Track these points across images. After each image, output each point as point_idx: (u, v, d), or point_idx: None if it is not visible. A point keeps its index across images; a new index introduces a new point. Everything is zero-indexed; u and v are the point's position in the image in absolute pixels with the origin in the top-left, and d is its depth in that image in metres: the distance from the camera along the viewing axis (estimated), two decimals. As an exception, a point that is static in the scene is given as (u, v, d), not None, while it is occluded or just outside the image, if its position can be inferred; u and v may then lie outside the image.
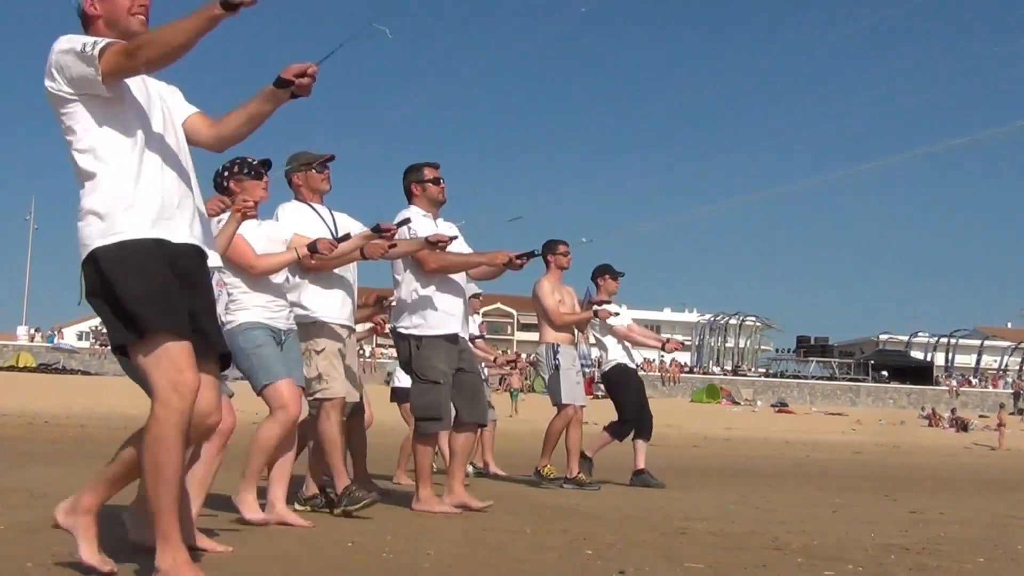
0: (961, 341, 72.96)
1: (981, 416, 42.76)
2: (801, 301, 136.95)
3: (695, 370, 63.40)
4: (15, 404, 23.80)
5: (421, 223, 6.65)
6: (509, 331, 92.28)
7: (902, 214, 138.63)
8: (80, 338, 66.80)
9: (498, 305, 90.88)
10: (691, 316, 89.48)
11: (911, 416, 42.96)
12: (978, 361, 71.69)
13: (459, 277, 6.79)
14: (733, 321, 71.61)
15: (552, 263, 9.29)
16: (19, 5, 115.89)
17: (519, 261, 6.78)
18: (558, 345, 9.21)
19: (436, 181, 6.80)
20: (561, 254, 9.28)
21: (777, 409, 45.78)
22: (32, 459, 10.28)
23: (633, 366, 10.23)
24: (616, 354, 10.11)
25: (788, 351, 71.95)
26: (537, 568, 4.50)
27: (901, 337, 77.52)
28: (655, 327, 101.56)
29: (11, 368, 49.20)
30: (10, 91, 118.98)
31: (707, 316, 73.51)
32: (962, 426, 37.91)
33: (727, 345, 70.51)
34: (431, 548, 4.86)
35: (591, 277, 10.33)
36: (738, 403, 49.06)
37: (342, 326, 6.35)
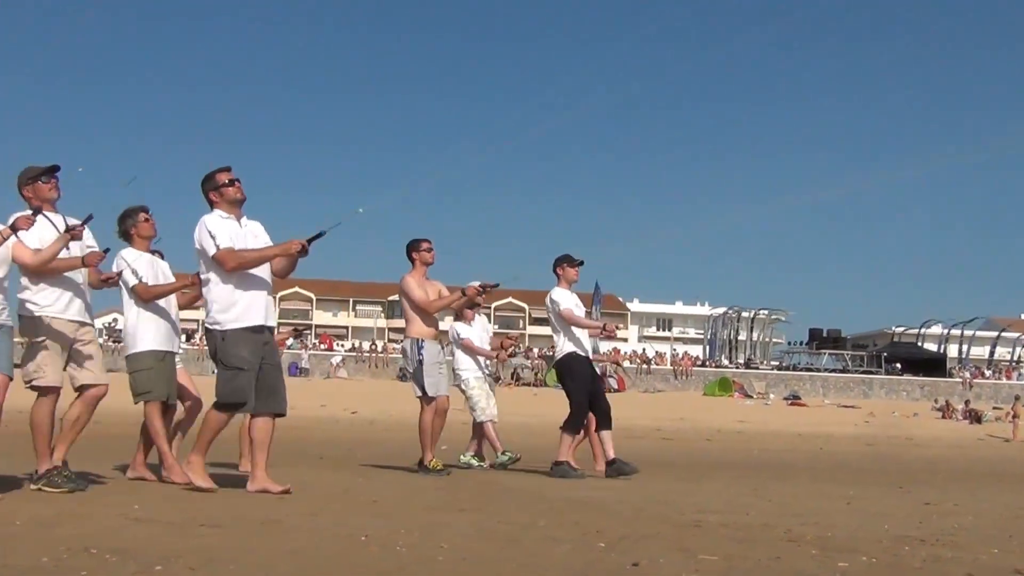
0: (974, 333, 72.70)
1: (995, 408, 42.55)
2: (814, 294, 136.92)
3: (707, 363, 63.30)
4: (29, 402, 23.84)
5: (221, 226, 6.93)
6: (521, 324, 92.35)
7: (914, 206, 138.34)
8: (94, 335, 67.01)
9: (510, 299, 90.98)
10: (703, 309, 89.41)
11: (924, 408, 42.87)
12: (992, 352, 71.46)
13: (262, 271, 7.05)
14: (745, 314, 71.43)
15: (417, 260, 9.53)
16: None
17: (309, 246, 7.04)
18: (423, 340, 9.35)
19: (231, 183, 7.05)
20: (424, 250, 9.53)
21: (790, 402, 45.67)
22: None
23: (583, 354, 10.02)
24: (566, 343, 9.99)
25: (800, 344, 71.81)
26: (550, 561, 4.50)
27: (914, 329, 77.33)
28: (667, 320, 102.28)
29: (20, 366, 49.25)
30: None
31: (719, 309, 73.32)
32: (976, 418, 37.80)
33: (739, 338, 70.30)
34: (444, 541, 4.86)
35: (552, 268, 10.21)
36: (751, 396, 48.96)
37: (69, 321, 6.89)
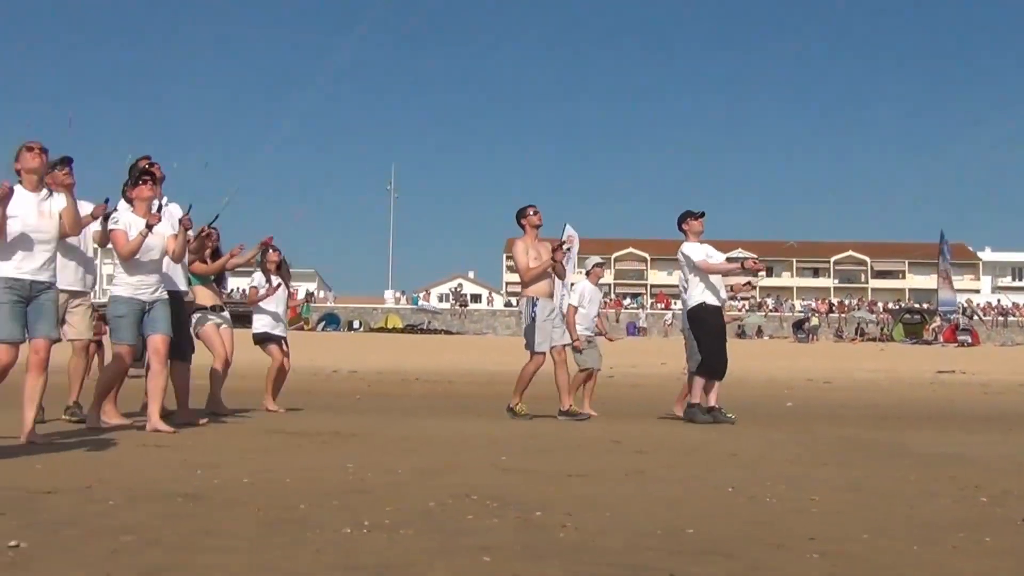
0: None
1: None
2: None
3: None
4: (389, 363, 25.44)
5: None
6: (863, 279, 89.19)
7: None
8: (441, 300, 70.52)
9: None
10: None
11: None
12: None
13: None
14: None
15: (526, 224, 10.22)
16: None
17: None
18: (536, 299, 10.04)
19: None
20: (532, 215, 10.20)
21: None
22: (410, 412, 10.93)
23: (716, 304, 10.18)
24: (697, 293, 10.15)
25: None
26: (930, 513, 4.32)
27: None
28: (1023, 269, 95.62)
29: (381, 329, 52.77)
30: (372, 67, 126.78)
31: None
32: None
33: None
34: (814, 494, 4.78)
35: (677, 226, 10.47)
36: None
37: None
